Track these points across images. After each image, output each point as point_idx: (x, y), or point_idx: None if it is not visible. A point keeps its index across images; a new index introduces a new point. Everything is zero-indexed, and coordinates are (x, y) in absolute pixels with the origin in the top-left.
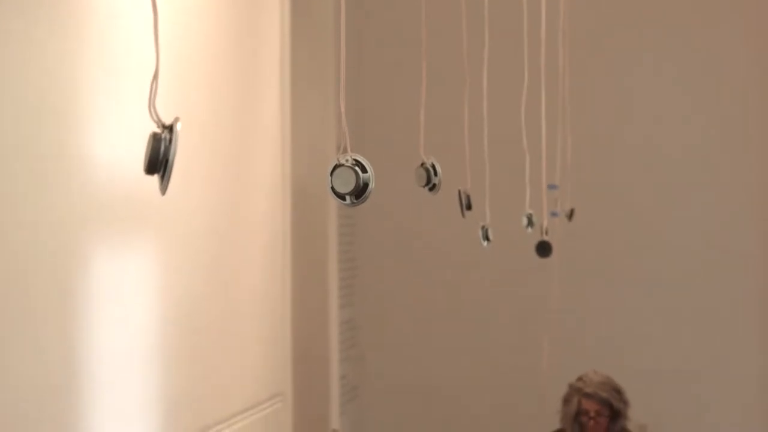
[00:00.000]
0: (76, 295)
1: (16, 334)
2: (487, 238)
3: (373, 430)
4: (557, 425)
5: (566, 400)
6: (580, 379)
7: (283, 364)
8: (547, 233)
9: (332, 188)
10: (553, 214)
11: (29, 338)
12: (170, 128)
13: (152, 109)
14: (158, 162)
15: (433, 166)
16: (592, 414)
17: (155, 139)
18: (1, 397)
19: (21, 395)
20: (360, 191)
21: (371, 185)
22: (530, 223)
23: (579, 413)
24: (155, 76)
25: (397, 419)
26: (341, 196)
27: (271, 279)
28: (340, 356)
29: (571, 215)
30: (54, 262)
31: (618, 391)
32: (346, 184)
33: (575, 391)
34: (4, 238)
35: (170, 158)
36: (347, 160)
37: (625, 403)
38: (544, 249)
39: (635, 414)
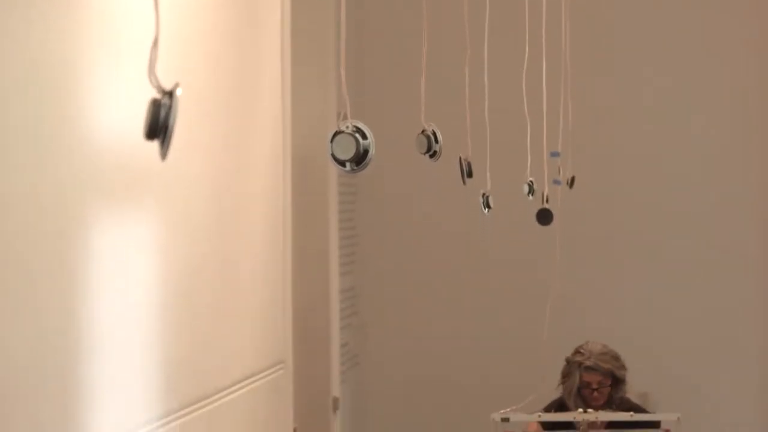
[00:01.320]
0: (76, 263)
1: (16, 302)
2: (487, 205)
3: (373, 397)
4: (557, 394)
5: (566, 375)
6: (577, 352)
7: (283, 333)
8: (548, 201)
9: (333, 155)
10: (555, 182)
11: (29, 306)
12: (170, 94)
13: (152, 75)
14: (158, 127)
15: (434, 133)
16: (594, 386)
17: (155, 104)
18: (1, 366)
19: (20, 363)
20: (360, 158)
21: (371, 152)
22: (531, 190)
23: (581, 387)
24: (155, 43)
25: (397, 387)
26: (342, 163)
27: (271, 247)
28: (341, 324)
29: (572, 183)
30: (54, 230)
31: (617, 358)
32: (347, 151)
33: (575, 365)
34: (4, 207)
35: (170, 124)
36: (347, 127)
37: (624, 368)
38: (544, 216)
39: (636, 383)
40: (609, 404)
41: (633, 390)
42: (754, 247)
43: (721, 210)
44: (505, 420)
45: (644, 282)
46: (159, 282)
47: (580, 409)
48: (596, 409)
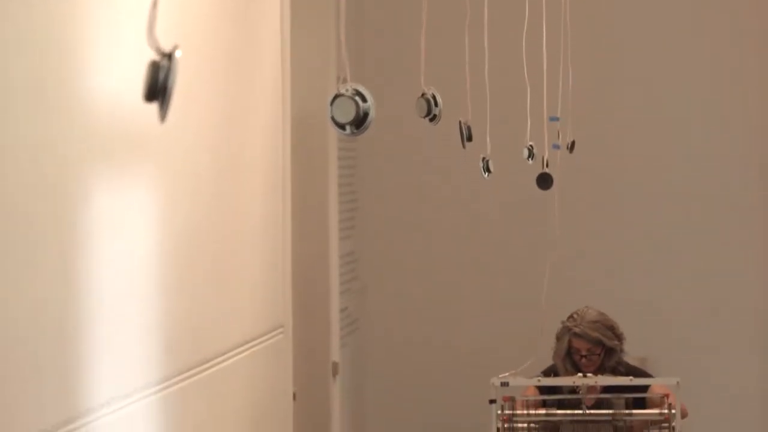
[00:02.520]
0: (75, 226)
1: (16, 266)
2: (487, 169)
3: (373, 362)
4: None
5: (559, 338)
6: (571, 317)
7: (283, 297)
8: (547, 165)
9: (332, 118)
10: (554, 147)
11: (29, 270)
12: (169, 56)
13: (151, 37)
14: (157, 89)
15: (434, 97)
16: (583, 352)
17: (154, 66)
18: (1, 330)
19: (20, 327)
20: (360, 121)
21: (371, 115)
22: (531, 154)
23: (571, 352)
24: (154, 4)
25: (397, 351)
26: (341, 126)
27: (271, 210)
28: (341, 289)
29: (571, 147)
30: (54, 193)
31: (610, 328)
32: (347, 114)
33: (566, 330)
34: (4, 171)
35: (169, 86)
36: (347, 90)
37: (620, 338)
38: (544, 181)
39: (634, 346)
40: (601, 371)
41: (632, 354)
42: (755, 208)
43: (722, 172)
44: (505, 384)
45: (644, 245)
46: (158, 246)
47: (580, 374)
48: (586, 374)
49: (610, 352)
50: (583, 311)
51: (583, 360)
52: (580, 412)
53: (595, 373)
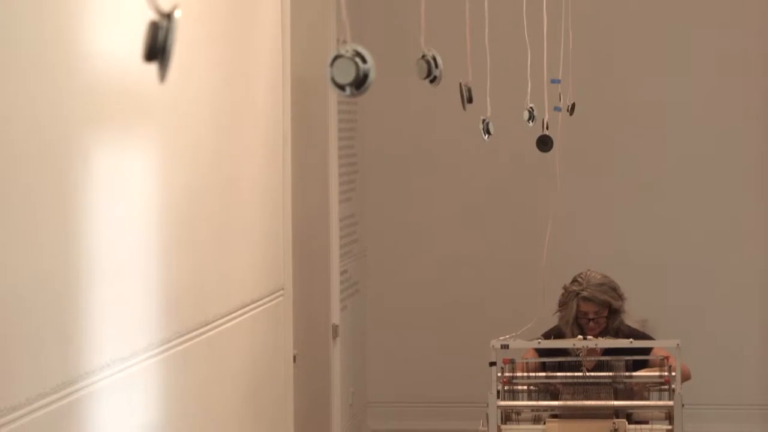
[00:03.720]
0: (75, 187)
1: (16, 227)
2: (488, 131)
3: (373, 325)
4: (555, 321)
5: (563, 303)
6: (575, 281)
7: (283, 259)
8: (548, 127)
9: (332, 79)
10: (555, 109)
11: (29, 232)
12: (169, 16)
13: None
14: (157, 49)
15: (434, 59)
16: (591, 316)
17: (153, 26)
18: (0, 292)
19: (20, 290)
20: (360, 82)
21: (371, 76)
22: (531, 117)
23: (578, 316)
24: None
25: (397, 314)
26: (341, 87)
27: (271, 172)
28: (341, 251)
29: (572, 110)
30: (54, 155)
31: (615, 289)
32: (346, 75)
33: (572, 295)
34: (4, 132)
35: (168, 46)
36: (347, 51)
37: (622, 298)
38: (545, 143)
39: (635, 309)
40: (605, 334)
41: (632, 316)
42: (757, 170)
43: (723, 133)
44: (505, 347)
45: (644, 207)
46: (158, 207)
47: (580, 336)
48: (586, 337)
49: (614, 313)
50: (586, 274)
51: (591, 323)
52: (580, 374)
53: (599, 335)
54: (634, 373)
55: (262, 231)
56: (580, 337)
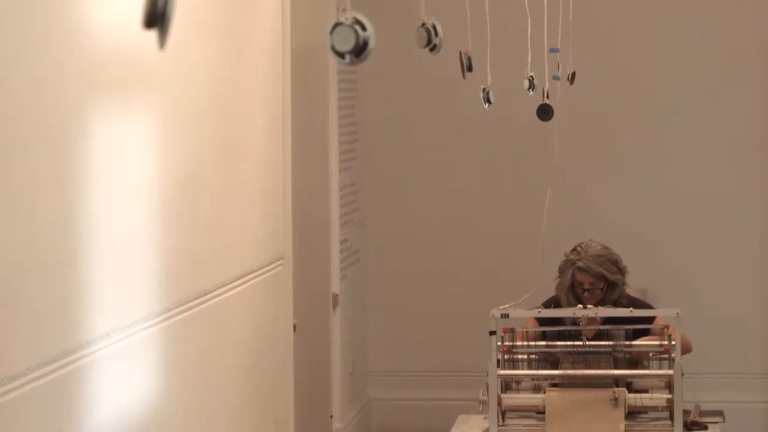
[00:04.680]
0: (75, 155)
1: (15, 197)
2: (488, 100)
3: (374, 294)
4: (554, 290)
5: (561, 271)
6: (575, 250)
7: (283, 229)
8: (548, 96)
9: (332, 47)
10: (555, 78)
11: (28, 201)
12: None
13: None
14: (156, 16)
15: (434, 27)
16: (586, 286)
17: None
18: (1, 260)
19: (19, 259)
20: (360, 50)
21: (371, 44)
22: (531, 85)
23: (574, 285)
24: None
25: (397, 283)
26: (341, 55)
27: (271, 142)
28: (341, 220)
29: (572, 79)
30: (53, 125)
31: (614, 262)
32: (346, 43)
33: (569, 264)
34: (3, 103)
35: (168, 12)
36: (347, 19)
37: (622, 272)
38: (545, 112)
39: (635, 278)
40: (602, 304)
41: (632, 286)
42: (757, 140)
43: (723, 103)
44: (505, 316)
45: (644, 176)
46: (158, 177)
47: (580, 305)
48: (587, 306)
49: (612, 286)
50: (586, 244)
51: (586, 294)
52: (580, 343)
53: (597, 305)
54: (634, 342)
55: (262, 200)
56: (581, 306)
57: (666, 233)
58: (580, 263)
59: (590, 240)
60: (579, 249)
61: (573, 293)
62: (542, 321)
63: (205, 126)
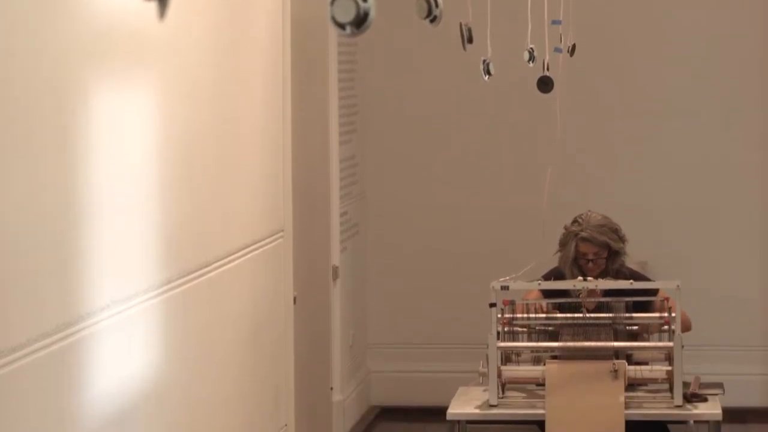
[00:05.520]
0: (75, 128)
1: (16, 166)
2: (488, 72)
3: (373, 266)
4: (555, 262)
5: (563, 244)
6: (575, 221)
7: (283, 201)
8: (548, 68)
9: (332, 18)
10: (555, 50)
11: (28, 172)
12: None
13: None
14: None
15: None
16: (590, 256)
17: None
18: (2, 232)
19: (19, 231)
20: (360, 21)
21: (371, 15)
22: (532, 57)
23: (577, 257)
24: None
25: (397, 255)
26: (341, 26)
27: (271, 114)
28: (341, 193)
29: (572, 51)
30: (54, 94)
31: (615, 231)
32: (347, 14)
33: (572, 235)
34: (4, 73)
35: None
36: None
37: (623, 240)
38: (545, 84)
39: (635, 252)
40: (604, 275)
41: (632, 258)
42: (759, 113)
43: (723, 75)
44: (505, 288)
45: (645, 149)
46: (157, 148)
47: (580, 277)
48: (587, 278)
49: (614, 254)
50: (587, 215)
51: (590, 264)
52: (581, 315)
53: (599, 276)
54: (635, 314)
55: (262, 172)
56: (581, 278)
57: (666, 207)
58: (583, 233)
59: (589, 211)
60: (580, 220)
61: (576, 265)
62: (542, 293)
63: (204, 98)
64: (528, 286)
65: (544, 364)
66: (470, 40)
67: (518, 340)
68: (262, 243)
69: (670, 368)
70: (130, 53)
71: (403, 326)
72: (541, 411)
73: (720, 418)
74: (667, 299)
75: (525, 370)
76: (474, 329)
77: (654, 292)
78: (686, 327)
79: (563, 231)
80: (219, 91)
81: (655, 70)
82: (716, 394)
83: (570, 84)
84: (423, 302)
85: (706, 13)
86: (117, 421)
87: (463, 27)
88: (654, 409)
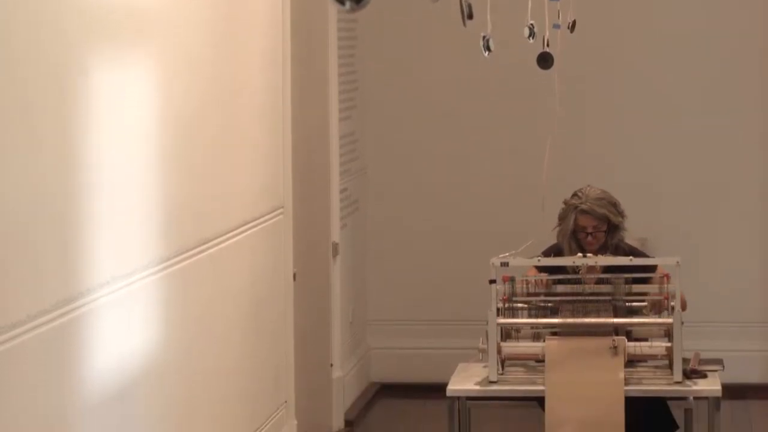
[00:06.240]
0: (75, 102)
1: (15, 143)
2: (488, 48)
3: (373, 243)
4: (554, 240)
5: (562, 217)
6: (575, 195)
7: (283, 177)
8: (548, 44)
9: None
10: (555, 26)
11: (28, 147)
12: None
13: None
14: None
15: None
16: (589, 230)
17: None
18: (2, 209)
19: (19, 206)
20: None
21: None
22: (532, 34)
23: (576, 230)
24: None
25: (397, 232)
26: (341, 2)
27: (270, 90)
28: (341, 169)
29: (572, 27)
30: (55, 71)
31: (614, 205)
32: None
33: (571, 208)
34: (4, 49)
35: None
36: None
37: (622, 214)
38: (545, 60)
39: (634, 228)
40: (603, 249)
41: (632, 235)
42: (758, 89)
43: (723, 50)
44: (505, 264)
45: (644, 125)
46: (157, 124)
47: (580, 254)
48: (590, 253)
49: (613, 228)
50: (586, 189)
51: (589, 237)
52: (580, 292)
53: (598, 251)
54: (634, 289)
55: (262, 149)
56: (580, 254)
57: (666, 183)
58: (583, 206)
59: (588, 185)
60: (579, 194)
61: (575, 239)
62: (542, 270)
63: (204, 75)
64: (528, 263)
65: (544, 341)
66: (470, 16)
67: (518, 317)
68: (262, 219)
69: (669, 344)
70: (129, 27)
71: (403, 303)
72: (541, 387)
73: (719, 394)
74: (667, 276)
75: (525, 347)
76: (474, 306)
77: (653, 268)
78: (681, 307)
79: (562, 205)
80: (218, 67)
81: (655, 46)
82: (716, 371)
83: (570, 60)
84: (423, 279)
85: None
86: (117, 396)
87: (463, 3)
88: (653, 385)
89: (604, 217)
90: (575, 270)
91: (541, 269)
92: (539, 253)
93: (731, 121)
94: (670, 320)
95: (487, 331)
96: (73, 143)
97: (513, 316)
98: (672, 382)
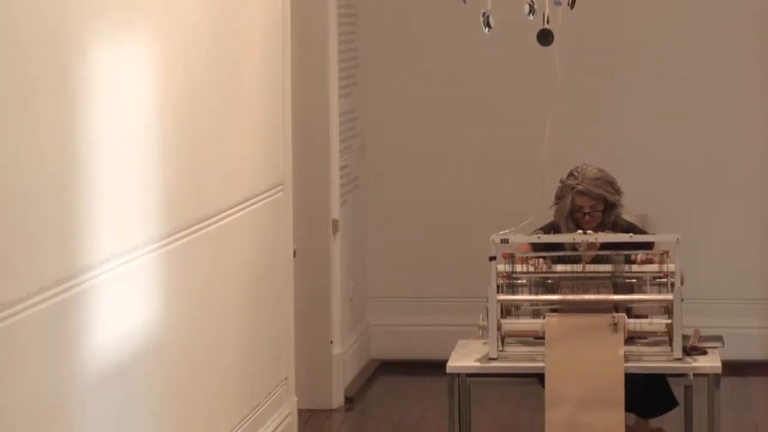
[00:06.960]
0: (75, 82)
1: (15, 121)
2: (488, 24)
3: (373, 220)
4: (551, 216)
5: (559, 197)
6: (571, 174)
7: (283, 154)
8: (548, 21)
9: None
10: (555, 3)
11: (28, 126)
12: None
13: None
14: None
15: None
16: (587, 209)
17: None
18: (1, 185)
19: (19, 184)
20: None
21: None
22: (532, 10)
23: (573, 210)
24: None
25: (397, 209)
26: None
27: (271, 67)
28: (341, 146)
29: (572, 4)
30: (54, 46)
31: (611, 183)
32: None
33: (568, 188)
34: (5, 27)
35: None
36: None
37: (619, 192)
38: (545, 37)
39: (635, 204)
40: (601, 228)
41: (632, 212)
42: (757, 62)
43: (724, 30)
44: (505, 241)
45: (644, 102)
46: (157, 102)
47: (580, 231)
48: (586, 231)
49: (610, 207)
50: (582, 168)
51: (586, 217)
52: (580, 268)
53: (596, 229)
54: (634, 266)
55: (262, 126)
56: (580, 231)
57: (666, 158)
58: (579, 187)
59: (584, 164)
60: (576, 173)
61: (572, 218)
62: (541, 246)
63: (204, 51)
64: (528, 239)
65: (544, 318)
66: None
67: (518, 294)
68: (262, 196)
69: (669, 321)
70: (129, 7)
71: (403, 280)
72: (541, 364)
73: (719, 371)
74: (666, 253)
75: (524, 324)
76: (474, 282)
77: (651, 245)
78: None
79: (559, 184)
80: (218, 44)
81: (655, 22)
82: (716, 347)
83: (570, 37)
84: (423, 255)
85: None
86: (117, 373)
87: None
88: (653, 362)
89: (601, 197)
90: (574, 247)
91: (532, 247)
92: (538, 229)
93: (731, 96)
94: (670, 297)
95: (487, 308)
96: (73, 122)
97: (513, 293)
98: (672, 359)
